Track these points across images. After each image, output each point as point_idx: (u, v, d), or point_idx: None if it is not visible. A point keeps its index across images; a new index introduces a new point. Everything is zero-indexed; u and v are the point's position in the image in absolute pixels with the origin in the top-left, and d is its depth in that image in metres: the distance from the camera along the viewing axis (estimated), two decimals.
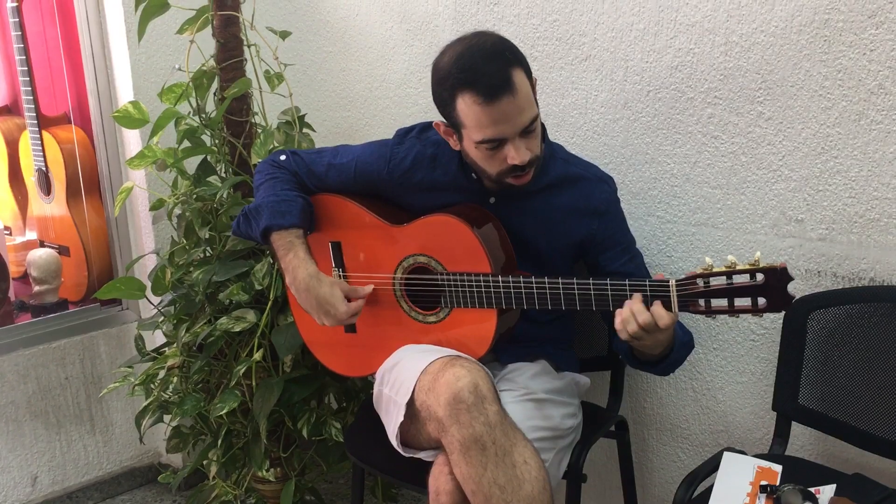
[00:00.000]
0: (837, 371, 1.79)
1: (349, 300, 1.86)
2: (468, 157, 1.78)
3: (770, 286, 1.50)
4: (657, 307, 1.59)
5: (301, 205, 1.91)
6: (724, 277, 1.53)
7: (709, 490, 1.65)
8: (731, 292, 1.53)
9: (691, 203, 2.00)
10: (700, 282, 1.55)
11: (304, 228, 1.91)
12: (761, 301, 1.52)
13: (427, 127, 1.91)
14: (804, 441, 1.93)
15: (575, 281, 1.68)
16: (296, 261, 1.86)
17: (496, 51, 1.66)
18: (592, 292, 1.66)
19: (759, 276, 1.50)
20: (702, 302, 1.55)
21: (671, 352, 1.76)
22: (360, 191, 1.96)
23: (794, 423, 1.89)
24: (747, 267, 1.51)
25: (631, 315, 1.60)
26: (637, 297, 1.61)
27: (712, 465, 1.72)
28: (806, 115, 1.79)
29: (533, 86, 1.71)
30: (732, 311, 1.54)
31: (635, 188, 2.08)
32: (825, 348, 1.81)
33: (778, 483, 1.61)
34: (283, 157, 1.99)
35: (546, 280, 1.70)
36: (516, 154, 1.68)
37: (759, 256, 1.51)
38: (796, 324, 1.82)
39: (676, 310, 1.58)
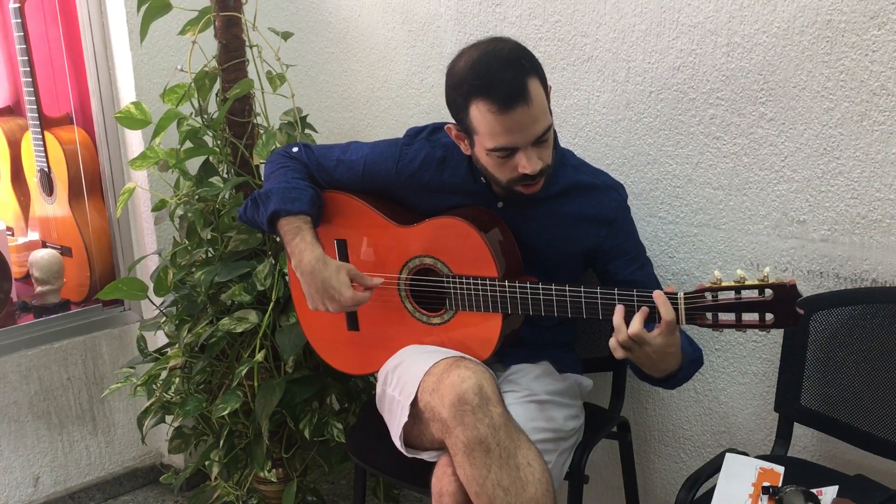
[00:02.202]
0: (840, 372, 1.79)
1: (355, 287, 1.84)
2: (479, 162, 1.77)
3: (778, 302, 1.49)
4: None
5: (311, 195, 1.91)
6: (733, 292, 1.52)
7: (711, 491, 1.65)
8: (739, 307, 1.52)
9: (693, 204, 2.00)
10: (708, 295, 1.54)
11: (311, 216, 1.90)
12: (769, 317, 1.51)
13: (438, 128, 1.91)
14: (806, 442, 1.93)
15: (582, 289, 1.67)
16: (302, 244, 1.85)
17: (513, 58, 1.65)
18: (599, 301, 1.65)
19: (768, 292, 1.49)
20: (709, 315, 1.55)
21: (679, 370, 1.74)
22: (367, 189, 1.96)
23: (796, 424, 1.89)
24: (756, 282, 1.50)
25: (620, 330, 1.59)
26: (619, 310, 1.60)
27: (714, 467, 1.72)
28: (808, 116, 1.79)
29: (548, 93, 1.70)
30: (740, 325, 1.53)
31: (637, 189, 2.08)
32: (827, 349, 1.81)
33: (780, 484, 1.61)
34: (295, 150, 2.00)
35: (553, 287, 1.70)
36: (528, 163, 1.67)
37: (769, 272, 1.50)
38: (799, 325, 1.82)
39: (684, 321, 1.57)
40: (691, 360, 1.78)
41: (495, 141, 1.66)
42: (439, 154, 1.89)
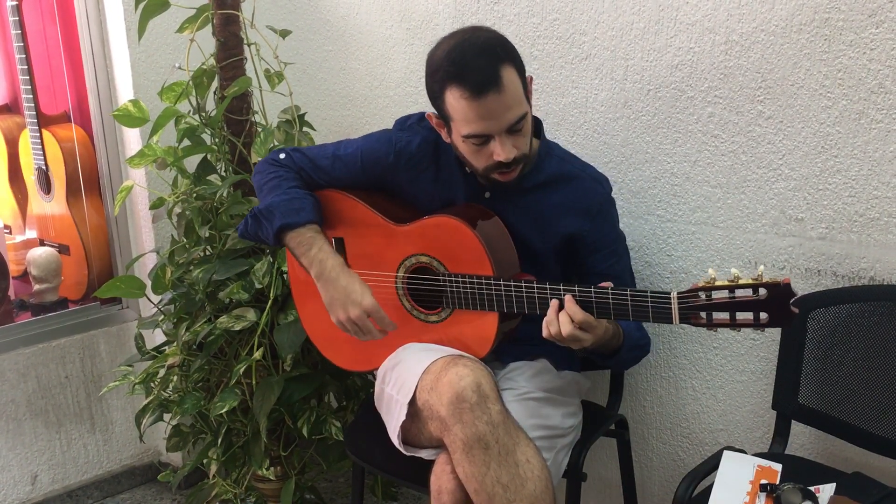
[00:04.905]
0: (837, 370, 1.80)
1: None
2: (457, 150, 1.79)
3: (772, 301, 1.48)
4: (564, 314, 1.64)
5: (312, 201, 1.91)
6: (727, 291, 1.51)
7: (709, 489, 1.65)
8: (733, 306, 1.51)
9: (691, 202, 2.00)
10: (702, 294, 1.53)
11: (319, 223, 1.90)
12: (763, 316, 1.50)
13: (424, 116, 1.92)
14: (804, 440, 1.93)
15: (577, 288, 1.67)
16: (322, 254, 1.85)
17: (488, 46, 1.67)
18: (594, 300, 1.65)
19: (762, 291, 1.49)
20: (703, 314, 1.54)
21: (617, 351, 1.78)
22: (367, 182, 1.96)
23: (793, 421, 1.89)
24: (750, 281, 1.50)
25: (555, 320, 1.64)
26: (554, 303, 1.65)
27: (712, 464, 1.72)
28: (806, 114, 1.79)
29: (526, 84, 1.71)
30: (734, 324, 1.53)
31: (635, 187, 2.08)
32: (825, 347, 1.81)
33: (778, 482, 1.62)
34: (282, 156, 1.99)
35: (548, 286, 1.70)
36: (501, 150, 1.69)
37: (763, 270, 1.50)
38: (796, 323, 1.82)
39: (678, 321, 1.58)
40: (636, 346, 1.84)
41: (469, 127, 1.68)
42: (433, 138, 1.90)
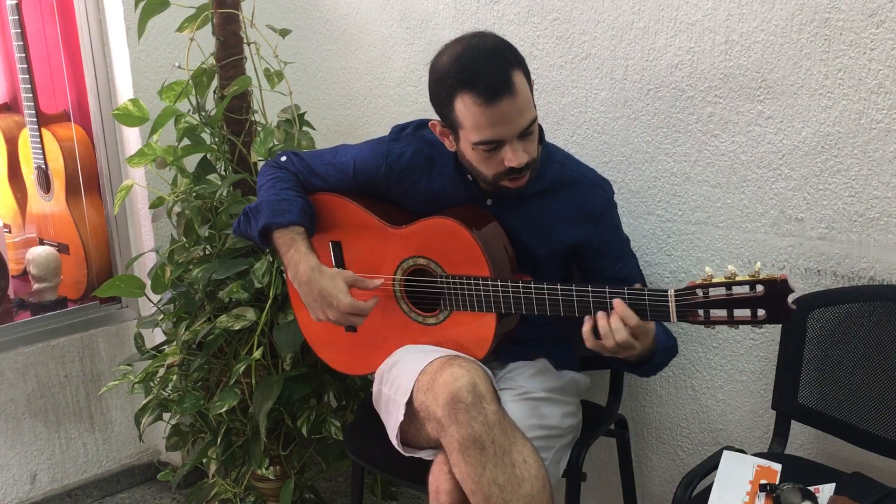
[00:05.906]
0: (837, 370, 1.79)
1: (356, 293, 1.84)
2: (464, 158, 1.77)
3: (770, 298, 1.48)
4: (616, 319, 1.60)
5: (301, 204, 1.90)
6: (724, 288, 1.51)
7: (708, 489, 1.65)
8: (730, 303, 1.51)
9: (691, 202, 2.00)
10: (699, 292, 1.53)
11: (304, 226, 1.90)
12: (761, 312, 1.50)
13: (423, 124, 1.91)
14: (803, 440, 1.93)
15: (574, 287, 1.66)
16: (297, 255, 1.85)
17: (497, 51, 1.65)
18: (591, 299, 1.64)
19: (759, 288, 1.48)
20: (701, 312, 1.54)
21: (652, 356, 1.75)
22: (360, 190, 1.96)
23: (793, 421, 1.89)
24: (747, 278, 1.49)
25: (610, 328, 1.60)
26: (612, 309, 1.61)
27: (712, 464, 1.72)
28: (806, 113, 1.79)
29: (531, 87, 1.70)
30: (732, 321, 1.52)
31: (635, 187, 2.08)
32: (825, 347, 1.81)
33: (777, 482, 1.62)
34: (283, 159, 2.00)
35: (545, 286, 1.69)
36: (514, 156, 1.67)
37: (760, 267, 1.49)
38: (796, 322, 1.82)
39: (675, 319, 1.57)
40: (665, 348, 1.80)
41: (481, 134, 1.66)
42: (427, 151, 1.89)
